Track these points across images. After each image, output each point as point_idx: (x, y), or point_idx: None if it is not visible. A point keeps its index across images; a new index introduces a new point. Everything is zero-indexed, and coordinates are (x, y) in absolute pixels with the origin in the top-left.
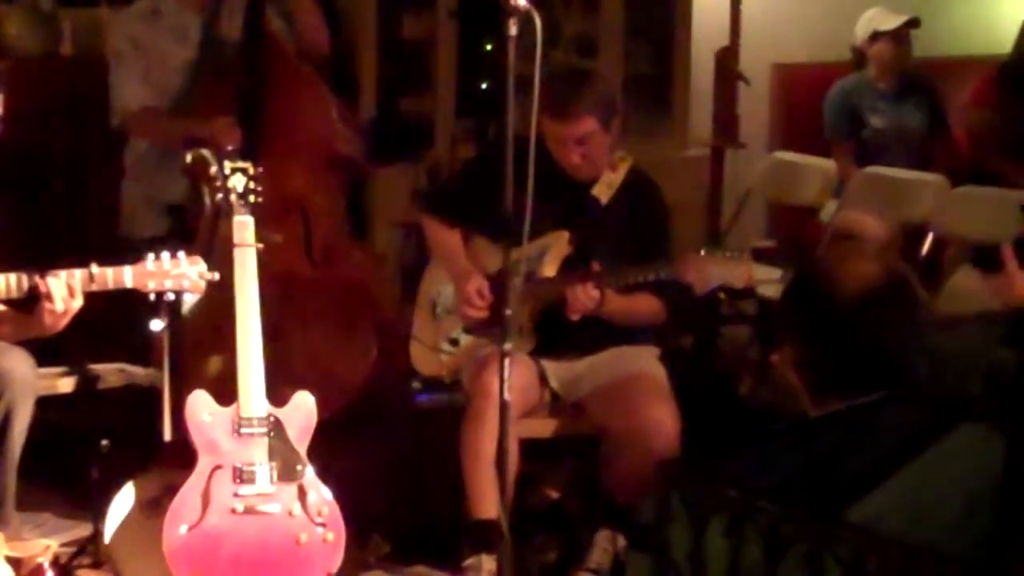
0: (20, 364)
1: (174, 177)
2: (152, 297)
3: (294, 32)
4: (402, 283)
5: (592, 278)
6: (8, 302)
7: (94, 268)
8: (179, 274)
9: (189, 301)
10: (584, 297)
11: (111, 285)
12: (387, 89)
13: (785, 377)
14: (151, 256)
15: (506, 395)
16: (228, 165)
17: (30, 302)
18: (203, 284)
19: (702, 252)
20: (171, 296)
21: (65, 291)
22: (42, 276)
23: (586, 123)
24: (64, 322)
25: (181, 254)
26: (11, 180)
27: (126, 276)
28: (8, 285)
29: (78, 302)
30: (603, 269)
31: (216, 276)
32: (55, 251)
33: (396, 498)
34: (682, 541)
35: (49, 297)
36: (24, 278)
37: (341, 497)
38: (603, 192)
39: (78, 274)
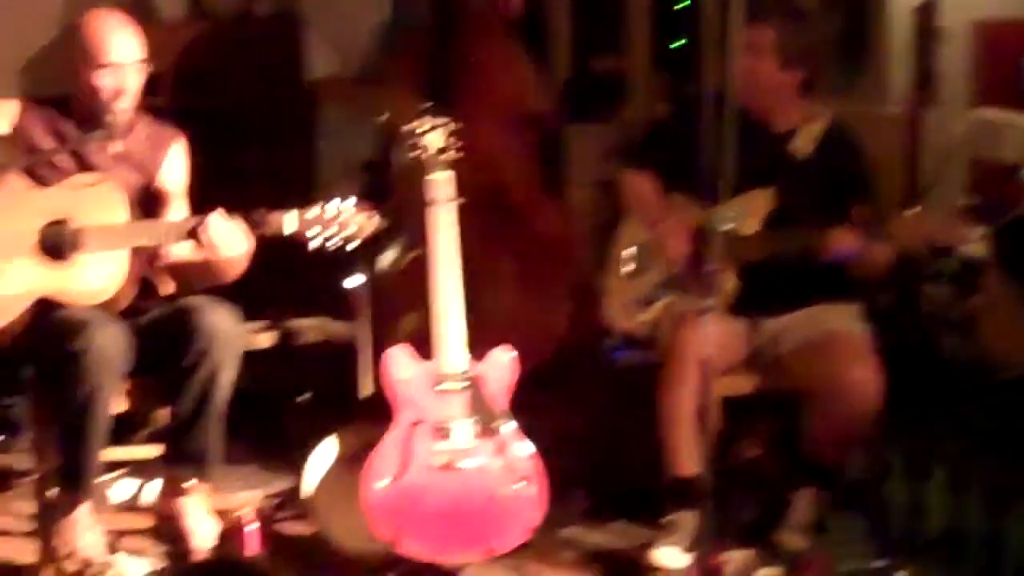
0: (226, 320)
1: (370, 134)
2: (316, 244)
3: None
4: (596, 241)
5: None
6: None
7: (258, 214)
8: (343, 221)
9: (388, 256)
10: (880, 254)
11: (272, 230)
12: (581, 47)
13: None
14: (317, 204)
15: (706, 352)
16: (425, 122)
17: None
18: (367, 231)
19: (918, 210)
20: (337, 243)
21: (224, 231)
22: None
23: (759, 34)
24: (232, 269)
25: (350, 200)
26: (205, 141)
27: (287, 221)
28: (171, 229)
29: (239, 244)
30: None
31: (379, 220)
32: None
33: (594, 454)
34: (900, 497)
35: (210, 239)
36: (190, 220)
37: (540, 453)
38: (803, 146)
39: (239, 218)
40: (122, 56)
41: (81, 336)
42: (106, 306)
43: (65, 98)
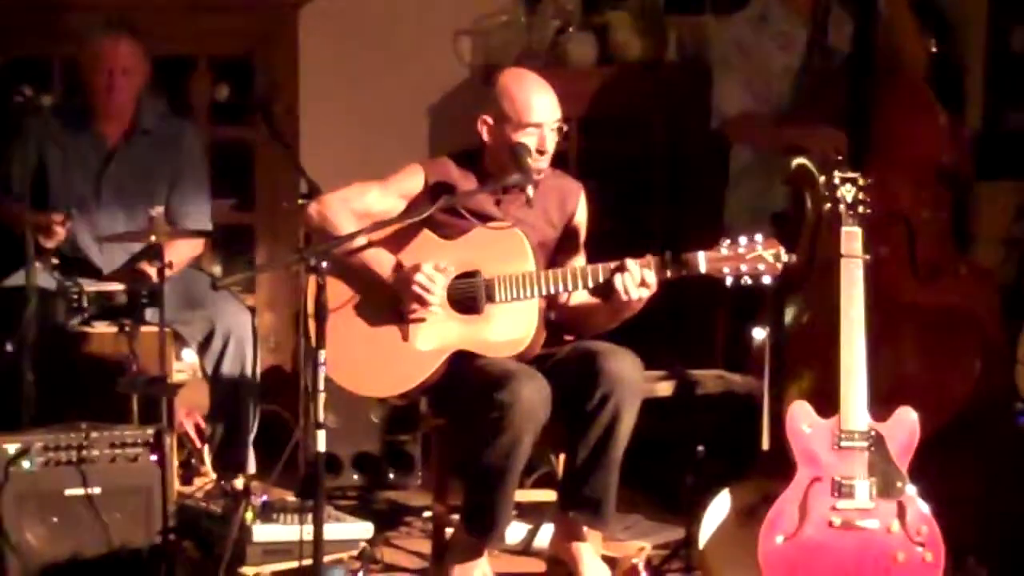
0: (629, 366)
1: (778, 186)
2: (728, 282)
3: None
4: (1003, 301)
5: None
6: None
7: (666, 255)
8: (754, 258)
9: (791, 309)
10: None
11: (684, 272)
12: (995, 102)
13: None
14: (725, 241)
15: None
16: (838, 175)
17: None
18: (779, 267)
19: None
20: (747, 280)
21: (636, 279)
22: (619, 267)
23: None
24: (630, 312)
25: (757, 236)
26: (614, 183)
27: (699, 262)
28: (586, 274)
29: (650, 289)
30: None
31: (793, 258)
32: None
33: (994, 521)
34: None
35: (624, 284)
36: (603, 268)
37: (937, 516)
38: None
39: (652, 261)
40: (546, 116)
41: (508, 388)
42: (520, 355)
43: (466, 152)
